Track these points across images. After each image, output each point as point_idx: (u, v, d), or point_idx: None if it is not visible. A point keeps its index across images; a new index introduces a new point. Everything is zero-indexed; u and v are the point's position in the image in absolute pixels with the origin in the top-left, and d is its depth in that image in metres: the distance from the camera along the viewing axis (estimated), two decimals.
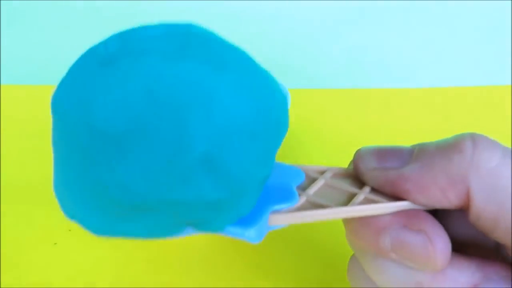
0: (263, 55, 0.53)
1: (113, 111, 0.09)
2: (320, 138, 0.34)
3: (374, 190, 0.14)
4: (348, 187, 0.14)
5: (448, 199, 0.12)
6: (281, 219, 0.13)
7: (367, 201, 0.13)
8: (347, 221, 0.14)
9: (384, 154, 0.14)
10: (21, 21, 0.56)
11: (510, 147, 0.33)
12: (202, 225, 0.11)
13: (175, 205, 0.10)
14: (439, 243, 0.12)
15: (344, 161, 0.31)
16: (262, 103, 0.11)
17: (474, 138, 0.12)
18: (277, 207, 0.13)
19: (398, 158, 0.13)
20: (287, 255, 0.23)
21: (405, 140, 0.34)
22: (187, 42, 0.10)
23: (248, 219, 0.12)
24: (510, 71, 0.46)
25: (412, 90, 0.42)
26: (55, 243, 0.23)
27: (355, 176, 0.15)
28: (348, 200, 0.14)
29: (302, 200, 0.14)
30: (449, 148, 0.12)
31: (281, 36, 0.54)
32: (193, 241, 0.24)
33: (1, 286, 0.21)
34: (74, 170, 0.10)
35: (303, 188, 0.14)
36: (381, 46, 0.48)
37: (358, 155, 0.14)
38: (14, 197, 0.27)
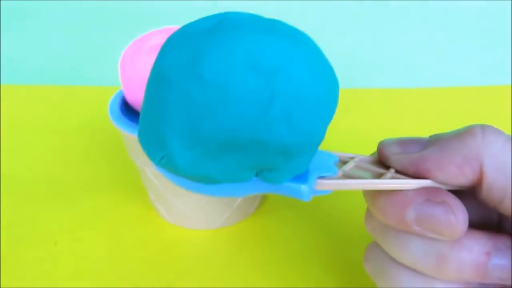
0: None
1: (220, 66, 0.12)
2: None
3: (398, 172, 0.16)
4: (375, 168, 0.16)
5: (465, 175, 0.14)
6: (325, 184, 0.15)
7: (395, 178, 0.15)
8: (373, 200, 0.16)
9: (405, 142, 0.16)
10: (21, 21, 0.56)
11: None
12: (268, 174, 0.14)
13: (258, 145, 0.13)
14: (460, 212, 0.14)
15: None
16: (327, 78, 0.13)
17: (482, 126, 0.14)
18: (322, 174, 0.15)
19: (418, 144, 0.15)
20: (287, 255, 0.23)
21: None
22: (270, 23, 0.13)
23: (301, 178, 0.15)
24: (510, 71, 0.46)
25: (412, 90, 0.42)
26: (55, 243, 0.23)
27: (380, 162, 0.17)
28: (377, 177, 0.15)
29: (340, 173, 0.16)
30: (462, 133, 0.14)
31: None
32: (193, 241, 0.24)
33: (1, 286, 0.21)
34: (175, 116, 0.13)
35: (339, 166, 0.16)
36: (381, 46, 0.48)
37: (382, 144, 0.16)
38: (14, 197, 0.27)
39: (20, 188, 0.28)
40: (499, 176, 0.14)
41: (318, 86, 0.13)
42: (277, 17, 0.57)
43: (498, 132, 0.14)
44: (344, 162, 0.17)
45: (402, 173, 0.16)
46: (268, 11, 0.58)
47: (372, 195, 0.16)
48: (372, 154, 0.18)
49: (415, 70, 0.47)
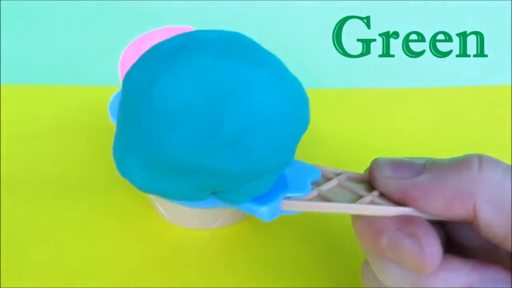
0: None
1: (169, 91, 0.12)
2: (320, 138, 0.34)
3: (382, 196, 0.15)
4: (358, 189, 0.15)
5: (453, 209, 0.13)
6: (292, 205, 0.15)
7: (371, 203, 0.15)
8: (353, 223, 0.15)
9: (399, 165, 0.15)
10: (21, 21, 0.56)
11: (510, 147, 0.33)
12: (223, 195, 0.14)
13: (204, 171, 0.13)
14: (429, 248, 0.13)
15: (343, 161, 0.31)
16: (288, 99, 0.13)
17: (480, 157, 0.13)
18: (290, 194, 0.15)
19: (412, 169, 0.14)
20: (286, 255, 0.23)
21: (405, 139, 0.34)
22: (232, 45, 0.13)
23: (263, 199, 0.14)
24: (510, 71, 0.46)
25: (412, 90, 0.42)
26: (55, 243, 0.23)
27: (368, 182, 0.16)
28: (356, 200, 0.15)
29: (314, 193, 0.15)
30: (459, 164, 0.14)
31: (281, 36, 0.54)
32: (192, 241, 0.24)
33: (1, 286, 0.21)
34: (132, 136, 0.13)
35: (317, 184, 0.16)
36: (381, 46, 0.48)
37: (375, 163, 0.15)
38: (14, 197, 0.27)
39: (20, 188, 0.27)
40: (497, 213, 0.13)
41: (274, 113, 0.13)
42: (277, 17, 0.57)
43: (496, 163, 0.13)
44: (327, 179, 0.16)
45: (387, 197, 0.15)
46: (268, 11, 0.58)
47: (352, 217, 0.15)
48: (364, 171, 0.17)
49: (415, 70, 0.47)
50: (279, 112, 0.13)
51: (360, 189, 0.16)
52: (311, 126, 0.36)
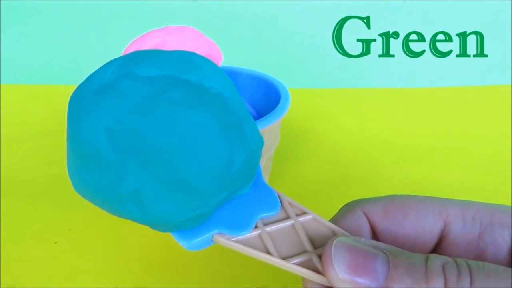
0: (263, 55, 0.54)
1: (85, 134, 0.13)
2: (320, 138, 0.34)
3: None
4: (306, 242, 0.14)
5: None
6: (221, 242, 0.14)
7: (308, 265, 0.14)
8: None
9: (357, 265, 0.13)
10: (21, 21, 0.56)
11: (509, 147, 0.33)
12: (151, 226, 0.14)
13: (116, 212, 0.14)
14: None
15: (342, 161, 0.31)
16: (201, 164, 0.13)
17: (444, 266, 0.12)
18: (224, 231, 0.14)
19: (371, 274, 0.13)
20: None
21: (405, 139, 0.34)
22: (160, 93, 0.13)
23: (191, 232, 0.14)
24: (510, 71, 0.46)
25: (412, 90, 0.42)
26: (55, 243, 0.23)
27: (326, 234, 0.15)
28: (296, 255, 0.14)
29: (254, 233, 0.14)
30: (419, 270, 0.12)
31: (281, 36, 0.54)
32: None
33: (1, 286, 0.21)
34: (69, 159, 0.14)
35: (266, 222, 0.15)
36: (381, 46, 0.48)
37: (329, 254, 0.13)
38: (14, 197, 0.27)
39: (20, 188, 0.27)
40: None
41: (187, 173, 0.12)
42: (277, 17, 0.57)
43: (462, 277, 0.12)
44: (284, 217, 0.15)
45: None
46: (268, 11, 0.58)
47: None
48: (334, 217, 0.16)
49: (415, 70, 0.47)
50: (190, 172, 0.13)
51: (309, 242, 0.14)
52: (311, 126, 0.36)
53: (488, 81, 0.44)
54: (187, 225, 0.14)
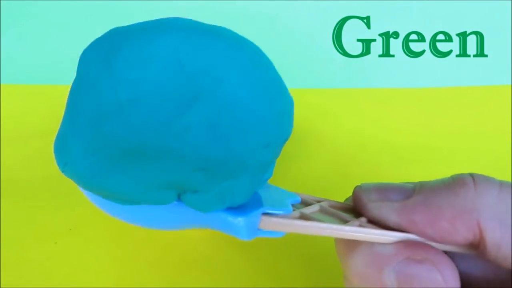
0: None
1: (135, 61, 0.10)
2: (320, 138, 0.34)
3: (371, 223, 0.13)
4: (344, 215, 0.14)
5: (458, 231, 0.12)
6: (273, 223, 0.13)
7: (366, 227, 0.13)
8: (345, 259, 0.13)
9: (386, 189, 0.14)
10: (21, 21, 0.56)
11: (509, 147, 0.33)
12: (192, 197, 0.11)
13: (172, 156, 0.10)
14: (448, 270, 0.12)
15: (342, 161, 0.31)
16: (272, 93, 0.12)
17: (472, 174, 0.13)
18: (270, 211, 0.13)
19: (400, 192, 0.13)
20: (288, 255, 0.23)
21: (405, 139, 0.34)
22: (212, 27, 0.12)
23: (240, 210, 0.12)
24: (510, 71, 0.46)
25: (412, 90, 0.42)
26: (55, 243, 0.23)
27: (353, 210, 0.15)
28: (343, 223, 0.13)
29: (295, 213, 0.13)
30: (451, 183, 0.13)
31: (281, 36, 0.54)
32: (193, 241, 0.24)
33: (1, 286, 0.21)
34: (81, 118, 0.11)
35: (297, 207, 0.14)
36: (381, 46, 0.48)
37: (359, 189, 0.14)
38: (14, 197, 0.27)
39: (20, 188, 0.27)
40: (505, 230, 0.11)
41: (257, 99, 0.11)
42: (277, 17, 0.57)
43: (490, 180, 0.12)
44: (307, 204, 0.14)
45: (378, 224, 0.13)
46: (268, 11, 0.58)
47: (343, 252, 0.13)
48: (346, 200, 0.15)
49: (415, 70, 0.47)
50: (262, 103, 0.11)
51: (347, 214, 0.14)
52: (310, 126, 0.36)
53: (488, 81, 0.44)
54: (243, 187, 0.12)
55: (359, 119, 0.37)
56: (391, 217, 0.13)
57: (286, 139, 0.13)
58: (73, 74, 0.42)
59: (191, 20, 0.12)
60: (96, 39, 0.12)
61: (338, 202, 0.15)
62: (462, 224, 0.12)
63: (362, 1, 0.53)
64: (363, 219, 0.13)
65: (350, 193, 0.29)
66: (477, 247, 0.12)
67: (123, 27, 0.12)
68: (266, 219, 0.13)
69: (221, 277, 0.22)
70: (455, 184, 0.12)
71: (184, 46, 0.10)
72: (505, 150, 0.32)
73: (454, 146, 0.33)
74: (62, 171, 0.12)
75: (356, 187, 0.14)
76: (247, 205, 0.13)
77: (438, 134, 0.35)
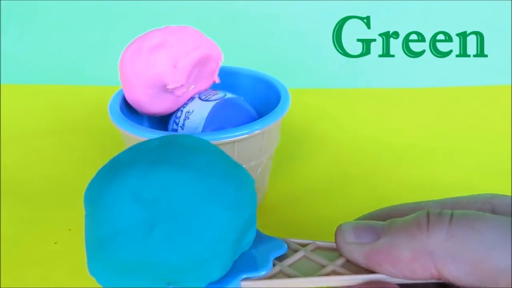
0: (263, 55, 0.54)
1: (109, 203, 0.14)
2: (320, 138, 0.34)
3: (348, 263, 0.15)
4: (323, 260, 0.16)
5: (414, 271, 0.13)
6: (251, 285, 0.15)
7: (333, 273, 0.15)
8: None
9: (361, 229, 0.15)
10: (21, 21, 0.56)
11: (509, 147, 0.33)
12: (177, 285, 0.15)
13: (149, 268, 0.14)
14: None
15: (342, 161, 0.31)
16: (213, 193, 0.14)
17: (428, 214, 0.14)
18: (249, 275, 0.15)
19: (372, 233, 0.15)
20: None
21: (405, 139, 0.34)
22: (167, 151, 0.15)
23: (219, 283, 0.15)
24: (510, 71, 0.46)
25: (412, 90, 0.42)
26: (55, 243, 0.23)
27: (334, 250, 0.16)
28: (318, 271, 0.15)
29: (275, 269, 0.16)
30: (410, 225, 0.14)
31: (281, 36, 0.54)
32: None
33: (1, 286, 0.21)
34: (90, 237, 0.15)
35: (281, 259, 0.16)
36: (381, 46, 0.48)
37: (339, 230, 0.16)
38: (14, 197, 0.27)
39: (20, 188, 0.27)
40: (458, 264, 0.12)
41: (202, 206, 0.14)
42: (277, 17, 0.57)
43: (442, 217, 0.13)
44: (293, 251, 0.17)
45: (354, 264, 0.15)
46: (268, 11, 0.58)
47: None
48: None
49: (415, 70, 0.47)
50: (204, 206, 0.14)
51: (325, 258, 0.16)
52: (310, 126, 0.36)
53: (488, 81, 0.44)
54: (215, 269, 0.15)
55: (359, 119, 0.37)
56: (361, 260, 0.15)
57: (251, 222, 0.16)
58: (73, 74, 0.42)
59: (154, 144, 0.15)
60: (90, 181, 0.16)
61: (324, 242, 0.17)
62: (419, 265, 0.13)
63: (362, 1, 0.53)
64: (339, 262, 0.16)
65: (350, 193, 0.29)
66: (441, 280, 0.13)
67: (106, 169, 0.16)
68: (246, 283, 0.15)
69: None
70: (412, 225, 0.14)
71: (141, 182, 0.14)
72: (505, 150, 0.32)
73: (454, 146, 0.33)
74: (91, 275, 0.16)
75: (336, 229, 0.16)
76: (228, 274, 0.15)
77: (438, 134, 0.35)
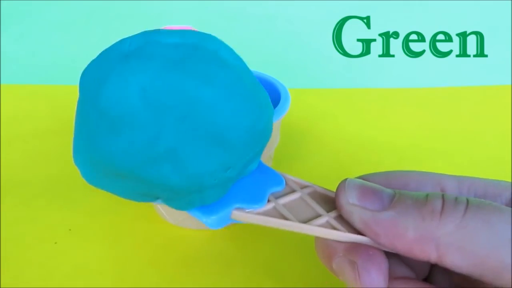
0: (263, 55, 0.54)
1: (114, 98, 0.12)
2: (320, 138, 0.34)
3: (341, 217, 0.15)
4: (318, 207, 0.15)
5: (413, 253, 0.13)
6: (241, 216, 0.15)
7: (325, 226, 0.15)
8: (315, 242, 0.16)
9: (366, 193, 0.14)
10: (21, 21, 0.56)
11: (509, 147, 0.33)
12: (168, 201, 0.14)
13: (142, 180, 0.13)
14: (366, 277, 0.13)
15: (342, 161, 0.31)
16: (235, 117, 0.13)
17: (444, 197, 0.13)
18: (242, 205, 0.15)
19: (378, 200, 0.14)
20: (288, 255, 0.23)
21: (405, 139, 0.34)
22: (189, 55, 0.13)
23: (210, 208, 0.14)
24: (510, 71, 0.46)
25: (412, 90, 0.42)
26: (55, 243, 0.23)
27: (332, 200, 0.16)
28: (311, 218, 0.15)
29: (269, 206, 0.15)
30: (422, 205, 0.13)
31: (281, 36, 0.54)
32: (193, 241, 0.24)
33: (1, 286, 0.21)
34: (82, 132, 0.13)
35: (277, 196, 0.16)
36: (381, 46, 0.48)
37: (342, 187, 0.15)
38: (14, 197, 0.27)
39: (20, 188, 0.27)
40: (465, 257, 0.12)
41: (220, 129, 0.13)
42: (277, 17, 0.57)
43: (458, 205, 0.13)
44: (291, 190, 0.16)
45: (344, 220, 0.15)
46: (268, 11, 0.58)
47: (316, 239, 0.16)
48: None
49: (415, 70, 0.47)
50: (222, 129, 0.13)
51: (321, 207, 0.15)
52: (311, 126, 0.36)
53: (488, 81, 0.44)
54: (211, 195, 0.14)
55: (359, 119, 0.37)
56: (359, 224, 0.14)
57: (258, 153, 0.15)
58: (73, 74, 0.42)
59: (174, 40, 0.13)
60: (90, 63, 0.14)
61: (323, 189, 0.17)
62: (420, 248, 0.13)
63: (362, 1, 0.53)
64: (333, 214, 0.15)
65: None
66: (433, 263, 0.13)
67: (116, 48, 0.13)
68: (236, 213, 0.15)
69: (221, 278, 0.22)
70: (425, 208, 0.13)
71: (153, 84, 0.12)
72: (505, 150, 0.32)
73: (454, 146, 0.33)
74: (75, 164, 0.14)
75: (341, 182, 0.15)
76: (221, 200, 0.15)
77: (438, 134, 0.35)
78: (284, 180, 0.16)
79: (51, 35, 0.54)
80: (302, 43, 0.53)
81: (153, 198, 0.14)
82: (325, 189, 0.16)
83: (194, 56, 0.13)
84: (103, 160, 0.13)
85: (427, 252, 0.13)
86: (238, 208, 0.15)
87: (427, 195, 0.14)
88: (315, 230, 0.14)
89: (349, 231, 0.14)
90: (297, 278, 0.22)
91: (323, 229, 0.14)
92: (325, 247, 0.15)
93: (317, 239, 0.15)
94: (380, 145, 0.33)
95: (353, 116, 0.38)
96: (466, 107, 0.39)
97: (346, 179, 0.15)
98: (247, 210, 0.15)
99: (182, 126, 0.12)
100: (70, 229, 0.24)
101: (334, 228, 0.14)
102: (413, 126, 0.36)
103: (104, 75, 0.13)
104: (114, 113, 0.12)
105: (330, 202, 0.16)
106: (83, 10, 0.58)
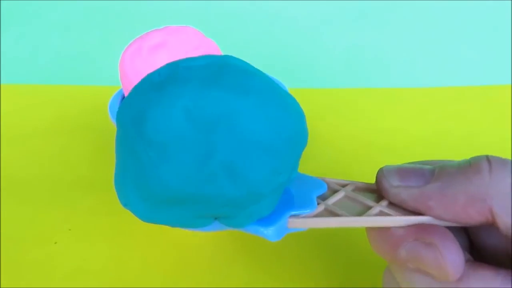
0: (263, 55, 0.54)
1: (159, 124, 0.12)
2: (320, 138, 0.34)
3: (391, 205, 0.15)
4: (366, 200, 0.15)
5: (469, 216, 0.13)
6: (298, 223, 0.15)
7: (381, 214, 0.15)
8: (368, 235, 0.15)
9: (406, 173, 0.15)
10: (21, 21, 0.56)
11: (510, 147, 0.33)
12: (226, 220, 0.14)
13: (201, 200, 0.13)
14: (449, 255, 0.13)
15: (343, 161, 0.31)
16: (277, 122, 0.13)
17: (489, 159, 0.13)
18: (296, 212, 0.15)
19: (420, 177, 0.14)
20: (288, 255, 0.23)
21: (405, 139, 0.34)
22: (220, 72, 0.13)
23: (268, 220, 0.14)
24: (510, 71, 0.46)
25: (412, 90, 0.42)
26: (55, 243, 0.23)
27: (376, 191, 0.16)
28: (364, 212, 0.15)
29: (320, 208, 0.15)
30: (468, 169, 0.13)
31: (281, 36, 0.54)
32: (193, 241, 0.24)
33: (1, 286, 0.21)
34: (129, 169, 0.13)
35: (323, 198, 0.16)
36: (381, 46, 0.48)
37: (381, 173, 0.15)
38: (14, 197, 0.27)
39: (20, 188, 0.27)
40: None
41: (264, 137, 0.13)
42: (277, 17, 0.57)
43: (507, 166, 0.13)
44: (333, 191, 0.16)
45: (398, 206, 0.15)
46: (268, 11, 0.58)
47: (367, 230, 0.15)
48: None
49: (415, 70, 0.47)
50: (268, 135, 0.13)
51: (369, 199, 0.15)
52: (311, 126, 0.36)
53: (488, 81, 0.44)
54: (267, 205, 0.14)
55: (359, 119, 0.37)
56: (410, 203, 0.14)
57: (298, 158, 0.15)
58: (73, 74, 0.42)
59: (201, 62, 0.14)
60: (124, 100, 0.14)
61: (363, 183, 0.17)
62: (475, 211, 0.13)
63: (362, 1, 0.53)
64: (384, 203, 0.15)
65: None
66: (491, 224, 0.13)
67: (147, 81, 0.14)
68: (293, 220, 0.15)
69: (221, 278, 0.22)
70: (471, 170, 0.13)
71: (198, 103, 0.12)
72: (505, 150, 0.32)
73: (454, 145, 0.33)
74: (124, 207, 0.15)
75: (378, 171, 0.15)
76: (275, 211, 0.15)
77: (438, 134, 0.35)
78: (325, 184, 0.17)
79: (51, 35, 0.54)
80: (302, 43, 0.53)
81: (211, 219, 0.14)
82: (366, 183, 0.17)
83: (224, 72, 0.13)
84: (159, 189, 0.13)
85: (483, 213, 0.13)
86: (293, 216, 0.15)
87: (469, 160, 0.14)
88: (377, 220, 0.14)
89: (405, 215, 0.14)
90: (297, 278, 0.22)
91: (381, 217, 0.14)
92: (387, 236, 0.14)
93: (373, 232, 0.15)
94: (380, 145, 0.33)
95: (353, 116, 0.38)
96: (466, 107, 0.39)
97: (381, 168, 0.15)
98: (302, 216, 0.15)
99: (230, 138, 0.12)
100: (70, 229, 0.24)
101: (389, 216, 0.14)
102: (413, 126, 0.36)
103: (144, 105, 0.13)
104: (162, 139, 0.12)
105: (375, 193, 0.16)
106: (83, 10, 0.58)
